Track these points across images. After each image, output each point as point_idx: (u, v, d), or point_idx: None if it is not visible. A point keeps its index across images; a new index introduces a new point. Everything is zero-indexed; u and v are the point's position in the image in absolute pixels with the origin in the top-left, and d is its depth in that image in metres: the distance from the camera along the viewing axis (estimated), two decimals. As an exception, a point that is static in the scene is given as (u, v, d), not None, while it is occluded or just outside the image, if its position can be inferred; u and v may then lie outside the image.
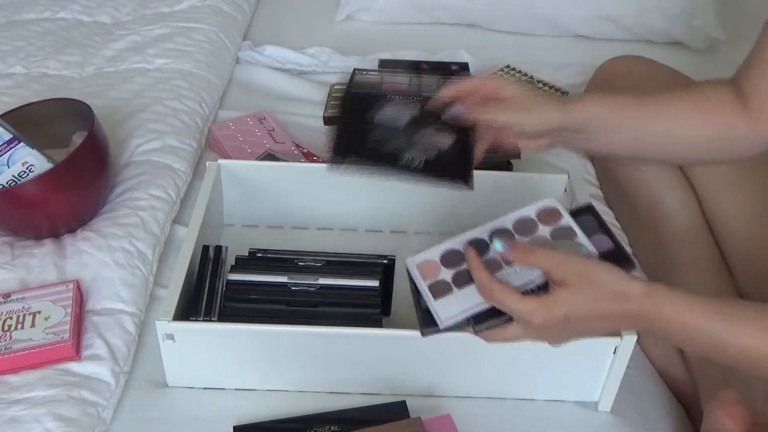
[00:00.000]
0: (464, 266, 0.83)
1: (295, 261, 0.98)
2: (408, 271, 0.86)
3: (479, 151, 0.96)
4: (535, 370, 0.91)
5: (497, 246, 0.82)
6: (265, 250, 1.02)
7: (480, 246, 0.85)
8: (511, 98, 0.92)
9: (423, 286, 0.84)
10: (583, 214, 0.88)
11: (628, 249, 0.83)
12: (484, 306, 0.80)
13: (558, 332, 0.79)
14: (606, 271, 0.76)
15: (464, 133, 0.94)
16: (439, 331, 0.82)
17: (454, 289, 0.83)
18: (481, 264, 0.80)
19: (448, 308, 0.82)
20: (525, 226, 0.87)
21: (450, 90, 0.95)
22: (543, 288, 0.78)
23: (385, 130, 0.89)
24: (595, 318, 0.77)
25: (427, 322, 0.83)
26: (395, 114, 0.89)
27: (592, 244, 0.84)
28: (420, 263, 0.86)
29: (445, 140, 0.92)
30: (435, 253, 0.87)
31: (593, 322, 0.77)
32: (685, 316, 0.75)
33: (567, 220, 0.86)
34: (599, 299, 0.76)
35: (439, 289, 0.83)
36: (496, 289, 0.77)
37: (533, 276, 0.79)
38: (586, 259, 0.78)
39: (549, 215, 0.87)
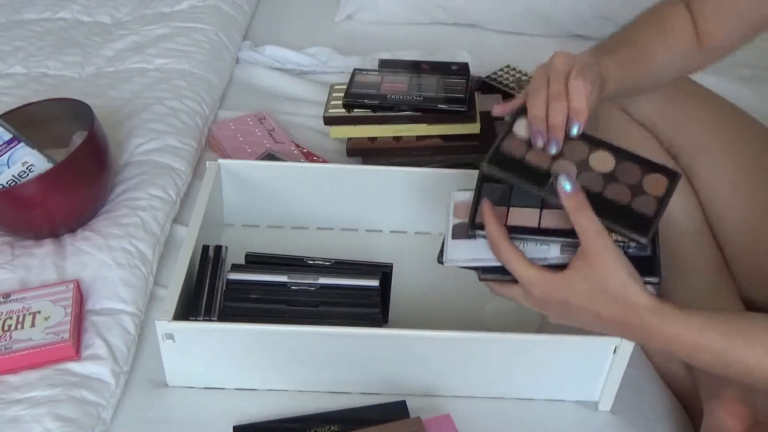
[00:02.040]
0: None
1: (289, 285, 0.96)
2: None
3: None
4: (535, 370, 0.91)
5: (565, 184, 0.76)
6: (262, 255, 1.01)
7: (537, 177, 0.81)
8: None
9: (450, 223, 0.85)
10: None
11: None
12: (493, 263, 0.79)
13: (556, 311, 0.78)
14: (624, 272, 0.74)
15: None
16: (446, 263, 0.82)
17: (477, 235, 0.81)
18: (496, 219, 0.78)
19: (457, 250, 0.82)
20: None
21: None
22: (554, 266, 0.77)
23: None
24: (593, 314, 0.76)
25: (442, 253, 0.84)
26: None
27: (638, 200, 0.80)
28: (459, 201, 0.86)
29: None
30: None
31: (590, 316, 0.77)
32: (685, 334, 0.74)
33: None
34: (603, 297, 0.75)
35: (461, 231, 0.83)
36: (505, 248, 0.77)
37: (549, 254, 0.78)
38: (615, 252, 0.74)
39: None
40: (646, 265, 0.78)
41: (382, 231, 1.17)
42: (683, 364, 1.00)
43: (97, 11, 1.66)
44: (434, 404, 0.91)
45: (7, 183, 1.04)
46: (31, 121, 1.12)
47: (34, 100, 1.18)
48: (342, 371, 0.92)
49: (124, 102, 1.35)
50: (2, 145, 1.05)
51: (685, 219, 1.07)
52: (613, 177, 0.82)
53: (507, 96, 1.45)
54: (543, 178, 0.81)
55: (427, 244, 1.11)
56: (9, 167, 1.05)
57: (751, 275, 1.03)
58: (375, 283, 0.95)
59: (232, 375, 0.92)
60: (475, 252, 0.81)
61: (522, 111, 0.85)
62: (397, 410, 0.89)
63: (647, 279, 0.76)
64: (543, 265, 0.77)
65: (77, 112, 1.12)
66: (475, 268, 0.81)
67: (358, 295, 0.95)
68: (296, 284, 0.95)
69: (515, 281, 0.78)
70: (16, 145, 1.06)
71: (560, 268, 0.76)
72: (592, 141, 0.84)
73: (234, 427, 0.88)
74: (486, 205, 0.80)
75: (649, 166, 0.83)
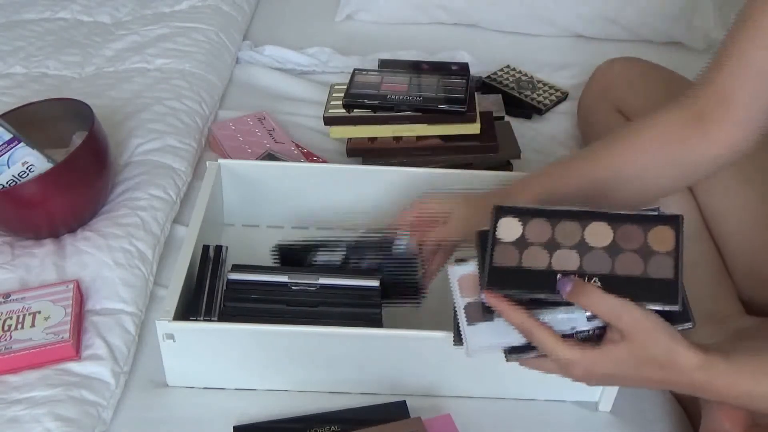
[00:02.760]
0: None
1: (289, 285, 0.96)
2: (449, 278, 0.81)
3: (433, 268, 0.97)
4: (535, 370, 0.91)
5: (563, 287, 0.73)
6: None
7: (543, 280, 0.76)
8: (454, 218, 0.94)
9: (459, 305, 0.79)
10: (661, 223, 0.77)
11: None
12: (519, 342, 0.76)
13: (600, 382, 0.76)
14: (664, 335, 0.71)
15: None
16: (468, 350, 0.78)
17: (494, 315, 0.76)
18: (511, 305, 0.74)
19: (479, 337, 0.77)
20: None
21: (396, 223, 0.97)
22: (587, 338, 0.74)
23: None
24: (640, 380, 0.74)
25: (459, 338, 0.79)
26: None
27: (651, 264, 0.75)
28: (462, 277, 0.80)
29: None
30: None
31: (637, 382, 0.74)
32: (738, 385, 0.72)
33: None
34: (650, 365, 0.71)
35: (476, 312, 0.78)
36: (536, 330, 0.73)
37: (577, 324, 0.74)
38: (650, 319, 0.71)
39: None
40: (668, 295, 0.73)
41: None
42: None
43: (97, 11, 1.66)
44: (434, 404, 0.91)
45: (7, 183, 1.04)
46: (31, 121, 1.12)
47: (34, 100, 1.18)
48: (342, 371, 0.92)
49: (124, 102, 1.34)
50: (2, 145, 1.05)
51: (684, 220, 1.07)
52: (616, 247, 0.76)
53: (507, 96, 1.46)
54: (549, 278, 0.75)
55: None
56: (9, 167, 1.05)
57: (749, 276, 1.03)
58: (375, 283, 0.95)
59: (232, 375, 0.92)
60: (498, 335, 0.77)
61: (501, 211, 0.80)
62: (397, 410, 0.89)
63: (681, 326, 0.73)
64: (577, 340, 0.74)
65: (77, 112, 1.12)
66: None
67: (358, 295, 0.95)
68: (296, 284, 0.95)
69: (545, 355, 0.75)
70: (16, 145, 1.06)
71: (594, 340, 0.73)
72: (580, 216, 0.78)
73: (234, 427, 0.88)
74: (491, 298, 0.75)
75: (647, 221, 0.77)
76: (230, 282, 0.95)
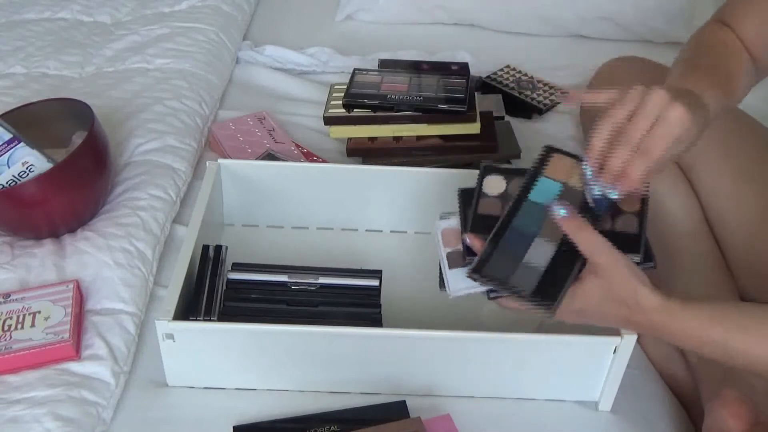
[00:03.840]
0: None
1: (289, 285, 0.96)
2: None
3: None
4: (535, 370, 0.91)
5: (559, 210, 0.78)
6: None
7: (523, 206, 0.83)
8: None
9: (442, 253, 0.86)
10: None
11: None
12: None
13: (571, 317, 0.80)
14: (633, 277, 0.76)
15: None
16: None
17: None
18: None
19: (459, 280, 0.83)
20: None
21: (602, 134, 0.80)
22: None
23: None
24: (604, 315, 0.79)
25: (443, 283, 0.86)
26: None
27: (619, 221, 0.82)
28: (445, 229, 0.88)
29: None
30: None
31: (601, 317, 0.80)
32: (692, 328, 0.77)
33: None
34: (615, 302, 0.77)
35: (456, 259, 0.85)
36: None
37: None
38: (623, 262, 0.77)
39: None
40: (634, 245, 0.81)
41: (382, 231, 1.17)
42: (683, 364, 1.00)
43: (97, 11, 1.66)
44: (434, 404, 0.91)
45: (7, 183, 1.04)
46: (31, 121, 1.12)
47: (34, 100, 1.18)
48: (342, 371, 0.92)
49: (124, 102, 1.34)
50: (2, 145, 1.05)
51: (685, 219, 1.08)
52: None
53: (507, 96, 1.46)
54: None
55: (427, 244, 1.11)
56: (9, 167, 1.05)
57: (750, 275, 1.03)
58: (375, 282, 0.96)
59: (232, 375, 0.92)
60: None
61: (487, 170, 0.89)
62: (397, 410, 0.89)
63: (644, 266, 0.79)
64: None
65: (77, 112, 1.12)
66: (482, 292, 0.82)
67: (358, 295, 0.95)
68: (296, 284, 0.95)
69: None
70: (16, 145, 1.06)
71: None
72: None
73: (234, 427, 0.88)
74: (473, 239, 0.81)
75: None
76: (230, 281, 0.95)
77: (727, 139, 1.07)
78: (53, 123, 1.14)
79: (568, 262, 0.79)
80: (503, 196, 0.86)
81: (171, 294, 0.89)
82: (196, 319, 0.90)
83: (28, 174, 1.04)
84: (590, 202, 0.81)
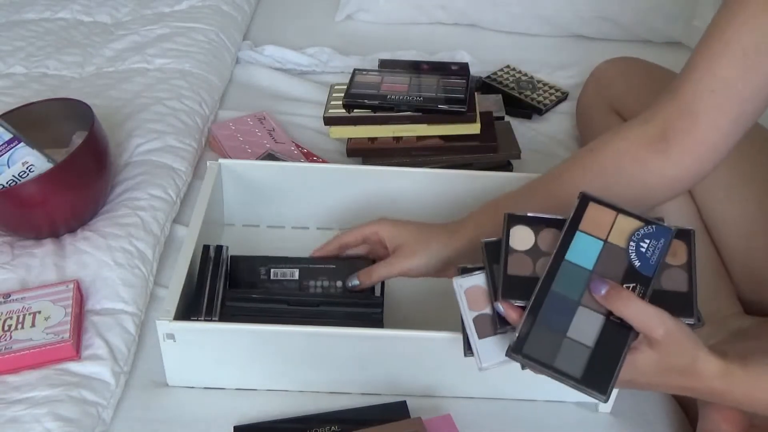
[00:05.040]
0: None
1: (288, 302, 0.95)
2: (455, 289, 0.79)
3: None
4: (535, 370, 0.91)
5: (599, 288, 0.72)
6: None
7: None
8: (400, 246, 0.93)
9: (468, 318, 0.78)
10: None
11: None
12: None
13: (618, 385, 0.73)
14: (690, 344, 0.71)
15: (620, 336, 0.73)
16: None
17: (507, 328, 0.75)
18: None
19: (491, 351, 0.76)
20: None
21: (334, 245, 0.98)
22: None
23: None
24: (659, 386, 0.74)
25: (471, 349, 0.78)
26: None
27: (665, 277, 0.75)
28: (470, 288, 0.79)
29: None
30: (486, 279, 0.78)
31: (654, 387, 0.75)
32: (754, 394, 0.72)
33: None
34: (672, 373, 0.72)
35: (485, 326, 0.77)
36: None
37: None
38: (680, 326, 0.70)
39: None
40: (683, 306, 0.74)
41: (382, 231, 1.17)
42: None
43: (97, 11, 1.66)
44: (435, 404, 0.91)
45: (7, 183, 1.04)
46: (31, 121, 1.12)
47: (34, 100, 1.18)
48: (342, 371, 0.92)
49: (124, 102, 1.34)
50: (2, 145, 1.05)
51: (682, 222, 1.07)
52: None
53: (507, 96, 1.46)
54: None
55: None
56: (9, 167, 1.05)
57: (748, 277, 1.03)
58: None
59: (232, 375, 0.92)
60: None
61: (512, 220, 0.79)
62: (397, 410, 0.89)
63: (686, 320, 0.73)
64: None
65: (77, 112, 1.12)
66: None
67: (359, 296, 0.95)
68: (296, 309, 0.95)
69: None
70: (16, 145, 1.06)
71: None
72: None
73: (234, 427, 0.88)
74: (508, 308, 0.74)
75: None
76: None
77: None
78: (53, 123, 1.14)
79: (619, 336, 0.71)
80: (533, 251, 0.77)
81: (172, 294, 0.89)
82: (197, 319, 0.90)
83: (28, 174, 1.04)
84: (636, 262, 0.74)
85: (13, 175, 1.04)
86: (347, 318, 0.92)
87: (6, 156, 1.05)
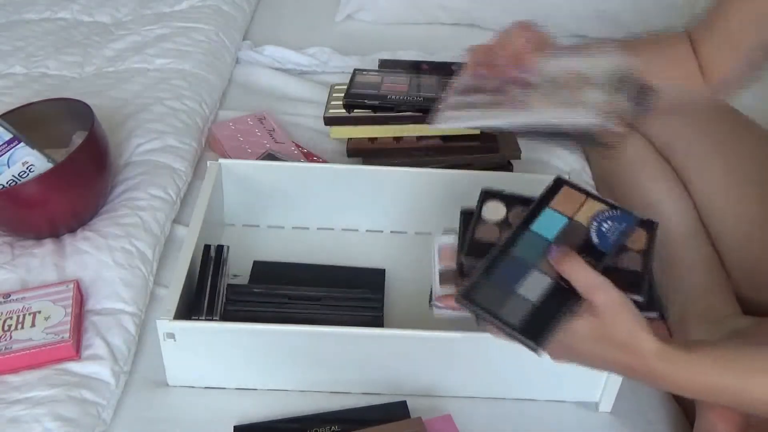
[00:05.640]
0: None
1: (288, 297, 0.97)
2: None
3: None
4: (535, 371, 0.91)
5: (551, 253, 0.76)
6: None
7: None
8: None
9: (435, 269, 0.86)
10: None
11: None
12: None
13: (560, 354, 0.76)
14: (630, 318, 0.72)
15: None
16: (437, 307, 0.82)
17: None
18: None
19: (446, 299, 0.82)
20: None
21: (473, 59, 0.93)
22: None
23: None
24: (598, 358, 0.75)
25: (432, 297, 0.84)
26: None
27: (622, 258, 0.79)
28: (444, 245, 0.87)
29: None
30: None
31: (595, 360, 0.75)
32: (700, 375, 0.72)
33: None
34: (609, 344, 0.73)
35: (448, 278, 0.84)
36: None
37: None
38: (621, 301, 0.72)
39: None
40: (637, 285, 0.77)
41: (382, 231, 1.17)
42: None
43: (97, 11, 1.66)
44: (435, 404, 0.91)
45: (7, 183, 1.04)
46: (31, 121, 1.12)
47: (34, 100, 1.18)
48: (342, 371, 0.92)
49: (124, 102, 1.34)
50: (2, 145, 1.05)
51: (680, 220, 1.08)
52: None
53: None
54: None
55: (427, 245, 1.11)
56: (9, 167, 1.05)
57: (746, 274, 1.03)
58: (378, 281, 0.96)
59: (232, 375, 0.92)
60: None
61: (487, 195, 0.86)
62: (397, 410, 0.89)
63: (647, 314, 0.74)
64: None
65: (77, 112, 1.12)
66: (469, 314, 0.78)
67: (360, 296, 0.95)
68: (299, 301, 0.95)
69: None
70: (16, 145, 1.06)
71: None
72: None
73: (234, 427, 0.88)
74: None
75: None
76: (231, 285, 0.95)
77: (721, 138, 1.07)
78: (53, 123, 1.14)
79: (563, 299, 0.74)
80: (503, 223, 0.84)
81: (172, 293, 0.89)
82: (198, 319, 0.90)
83: (28, 174, 1.04)
84: (595, 239, 0.78)
85: (13, 175, 1.04)
86: (347, 318, 0.92)
87: (6, 156, 1.05)
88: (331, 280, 1.04)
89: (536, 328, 0.73)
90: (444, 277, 0.85)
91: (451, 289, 0.82)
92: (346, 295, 0.96)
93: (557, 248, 0.76)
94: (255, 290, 0.95)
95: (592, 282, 0.73)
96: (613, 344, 0.72)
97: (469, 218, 0.85)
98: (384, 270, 1.07)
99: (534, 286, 0.76)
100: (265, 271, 1.06)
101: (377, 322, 0.93)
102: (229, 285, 0.96)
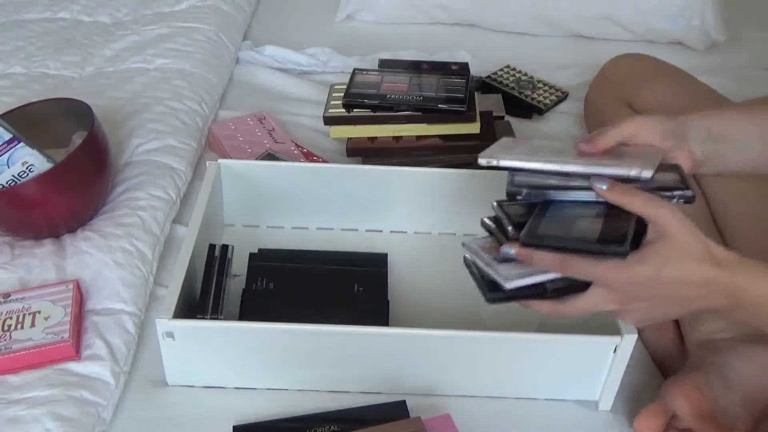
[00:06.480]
0: None
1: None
2: (465, 254, 0.82)
3: None
4: (535, 370, 0.91)
5: (600, 185, 0.74)
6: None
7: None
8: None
9: (485, 257, 0.79)
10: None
11: None
12: (552, 275, 0.75)
13: (641, 298, 0.73)
14: (697, 231, 0.70)
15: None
16: (504, 296, 0.76)
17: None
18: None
19: (512, 271, 0.77)
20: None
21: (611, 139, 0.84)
22: (558, 290, 0.75)
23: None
24: (687, 284, 0.71)
25: (491, 287, 0.77)
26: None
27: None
28: (482, 245, 0.82)
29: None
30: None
31: (683, 289, 0.71)
32: None
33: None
34: (695, 260, 0.70)
35: (503, 260, 0.78)
36: (570, 260, 0.72)
37: (536, 272, 0.75)
38: (681, 213, 0.70)
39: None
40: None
41: (382, 231, 1.17)
42: (675, 348, 0.99)
43: (97, 11, 1.66)
44: (434, 404, 0.91)
45: (7, 183, 1.04)
46: (31, 121, 1.12)
47: (34, 100, 1.18)
48: (342, 370, 0.92)
49: (124, 102, 1.35)
50: (2, 145, 1.05)
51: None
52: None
53: (507, 96, 1.46)
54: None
55: (426, 244, 1.11)
56: (9, 167, 1.05)
57: None
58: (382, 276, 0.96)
59: (232, 374, 0.92)
60: (530, 269, 0.76)
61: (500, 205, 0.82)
62: (397, 410, 0.89)
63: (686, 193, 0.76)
64: (545, 290, 0.75)
65: (77, 112, 1.12)
66: (536, 288, 0.76)
67: (362, 298, 0.96)
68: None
69: (582, 289, 0.74)
70: (16, 145, 1.06)
71: (573, 290, 0.75)
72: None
73: (234, 426, 0.88)
74: (521, 250, 0.75)
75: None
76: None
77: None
78: (53, 123, 1.14)
79: (623, 218, 0.72)
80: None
81: (171, 293, 0.89)
82: (203, 318, 0.90)
83: (28, 174, 1.04)
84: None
85: (13, 175, 1.04)
86: (349, 317, 0.92)
87: (6, 156, 1.05)
88: (334, 262, 1.04)
89: (613, 236, 0.71)
90: (501, 261, 0.79)
91: (514, 268, 0.77)
92: (349, 292, 0.96)
93: (602, 178, 0.74)
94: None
95: (651, 202, 0.71)
96: (695, 260, 0.70)
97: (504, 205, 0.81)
98: (386, 254, 1.07)
99: (588, 221, 0.74)
100: (263, 261, 1.05)
101: (382, 320, 0.93)
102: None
